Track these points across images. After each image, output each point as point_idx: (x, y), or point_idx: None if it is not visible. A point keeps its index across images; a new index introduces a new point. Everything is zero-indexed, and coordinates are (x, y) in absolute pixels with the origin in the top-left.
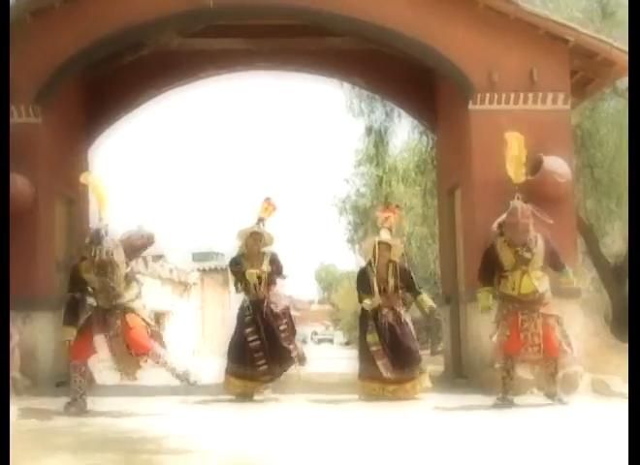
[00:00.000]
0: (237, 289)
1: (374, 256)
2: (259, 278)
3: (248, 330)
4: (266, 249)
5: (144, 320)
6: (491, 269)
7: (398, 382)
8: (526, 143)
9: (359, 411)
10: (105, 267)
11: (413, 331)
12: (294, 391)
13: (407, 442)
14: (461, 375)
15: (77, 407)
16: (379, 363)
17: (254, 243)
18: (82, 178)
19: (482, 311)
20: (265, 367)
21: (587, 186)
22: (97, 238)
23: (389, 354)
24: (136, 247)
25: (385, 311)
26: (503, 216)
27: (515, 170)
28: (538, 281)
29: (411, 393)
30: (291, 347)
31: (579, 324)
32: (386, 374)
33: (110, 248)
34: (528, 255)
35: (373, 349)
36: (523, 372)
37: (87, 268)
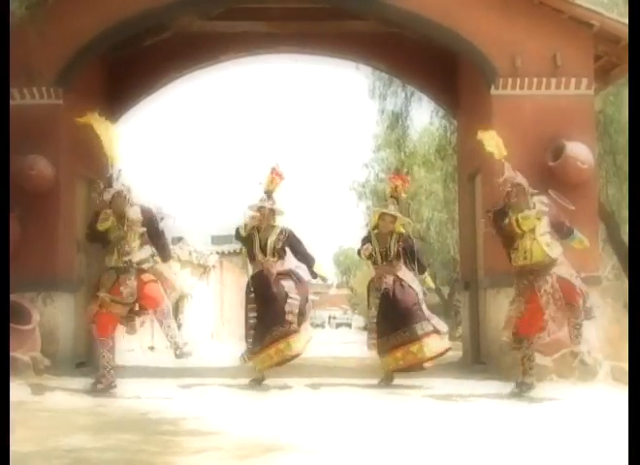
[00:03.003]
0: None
1: (377, 225)
2: (263, 249)
3: (250, 306)
4: (280, 225)
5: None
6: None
7: (402, 344)
8: (548, 129)
9: (375, 395)
10: (121, 217)
11: (417, 295)
12: (310, 375)
13: (422, 428)
14: (479, 361)
15: (105, 383)
16: (368, 338)
17: (262, 217)
18: (85, 119)
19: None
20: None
21: (609, 173)
22: (109, 182)
23: (382, 323)
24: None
25: (387, 278)
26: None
27: (495, 152)
28: (549, 247)
29: (419, 356)
30: (289, 318)
31: (599, 311)
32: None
33: (122, 191)
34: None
35: (371, 322)
36: (541, 359)
37: (104, 218)
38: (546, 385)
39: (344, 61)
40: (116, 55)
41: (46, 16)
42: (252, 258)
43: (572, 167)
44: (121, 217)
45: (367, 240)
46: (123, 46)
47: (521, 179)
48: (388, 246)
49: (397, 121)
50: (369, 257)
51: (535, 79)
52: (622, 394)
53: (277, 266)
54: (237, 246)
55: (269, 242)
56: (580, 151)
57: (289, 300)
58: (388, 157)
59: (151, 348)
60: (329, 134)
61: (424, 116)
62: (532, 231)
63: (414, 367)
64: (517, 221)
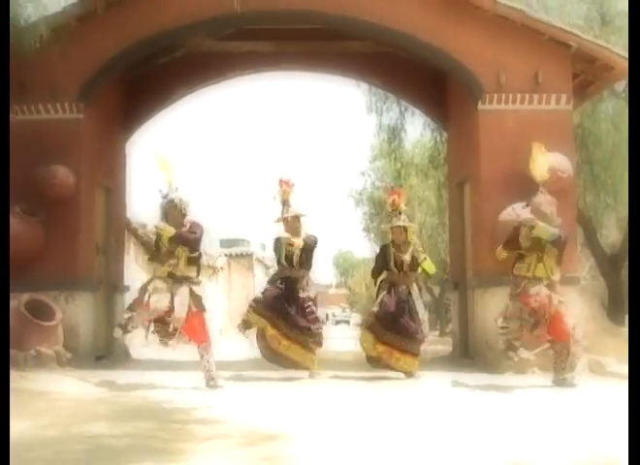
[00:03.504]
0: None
1: (392, 239)
2: (290, 252)
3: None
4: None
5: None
6: (511, 244)
7: (391, 346)
8: (530, 140)
9: (371, 387)
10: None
11: (420, 315)
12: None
13: (413, 416)
14: (467, 355)
15: (131, 324)
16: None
17: (289, 226)
18: (151, 154)
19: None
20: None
21: (586, 181)
22: (167, 197)
23: (385, 317)
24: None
25: (401, 287)
26: (516, 205)
27: (538, 172)
28: (552, 272)
29: (397, 364)
30: (314, 326)
31: (577, 308)
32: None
33: (180, 204)
34: (548, 245)
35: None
36: (524, 353)
37: (163, 230)
38: (528, 376)
39: (344, 78)
40: (133, 73)
41: (69, 38)
42: (280, 264)
43: (553, 176)
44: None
45: (383, 254)
46: (139, 64)
47: (546, 208)
48: (404, 257)
49: (392, 134)
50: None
51: (519, 95)
52: (598, 384)
53: (302, 276)
54: (243, 249)
55: (294, 248)
56: (560, 161)
57: (310, 305)
58: (384, 166)
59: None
60: (329, 145)
61: (417, 129)
62: (542, 251)
63: (386, 367)
64: (530, 230)
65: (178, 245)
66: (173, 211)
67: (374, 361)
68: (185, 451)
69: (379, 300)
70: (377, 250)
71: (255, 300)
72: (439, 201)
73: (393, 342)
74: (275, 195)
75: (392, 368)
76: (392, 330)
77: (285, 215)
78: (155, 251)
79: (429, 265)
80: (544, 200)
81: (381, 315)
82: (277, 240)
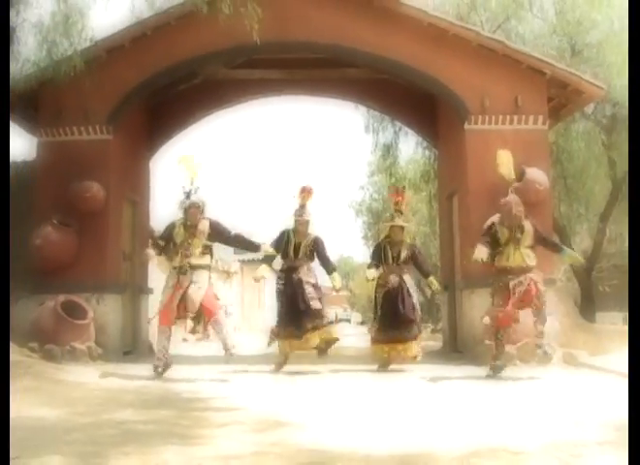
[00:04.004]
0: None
1: (389, 235)
2: (297, 247)
3: (280, 297)
4: (313, 233)
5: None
6: (488, 237)
7: (392, 341)
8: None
9: (371, 378)
10: (192, 226)
11: (415, 302)
12: (317, 362)
13: (409, 404)
14: (456, 350)
15: (161, 365)
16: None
17: (301, 226)
18: (179, 160)
19: (474, 260)
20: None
21: (560, 193)
22: (188, 195)
23: (382, 318)
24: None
25: (393, 277)
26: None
27: (506, 172)
28: (528, 257)
29: (402, 355)
30: (320, 306)
31: (553, 307)
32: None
33: (197, 203)
34: (519, 235)
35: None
36: (507, 347)
37: (180, 225)
38: (510, 368)
39: (343, 102)
40: (156, 98)
41: (99, 68)
42: (285, 256)
43: (531, 188)
44: (192, 226)
45: (377, 250)
46: (161, 90)
47: (517, 205)
48: (399, 251)
49: (387, 151)
50: (372, 280)
51: (500, 117)
52: (571, 375)
53: (304, 266)
54: (255, 255)
55: (302, 245)
56: (537, 175)
57: (315, 300)
58: (380, 181)
59: (185, 339)
60: (331, 162)
61: (410, 147)
62: (517, 241)
63: (395, 361)
64: (511, 232)
65: (208, 237)
66: (193, 210)
67: (385, 363)
68: (203, 436)
69: (376, 305)
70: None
71: (273, 329)
72: (431, 211)
73: (395, 336)
74: (295, 197)
75: (397, 360)
76: (392, 327)
77: (301, 217)
78: (165, 245)
79: (434, 284)
80: (515, 200)
81: (380, 319)
82: (287, 233)
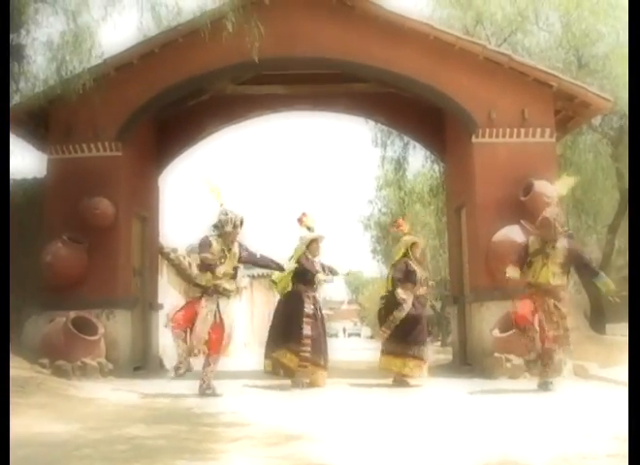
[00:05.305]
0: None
1: (408, 253)
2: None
3: (306, 319)
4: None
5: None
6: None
7: (403, 356)
8: (519, 169)
9: (382, 391)
10: (227, 248)
11: (425, 319)
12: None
13: (422, 417)
14: (466, 363)
15: (183, 367)
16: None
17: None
18: (204, 183)
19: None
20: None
21: (569, 205)
22: (223, 214)
23: (395, 334)
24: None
25: (408, 295)
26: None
27: (561, 189)
28: (554, 275)
29: (406, 372)
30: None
31: None
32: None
33: (235, 218)
34: (550, 250)
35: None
36: (516, 359)
37: (215, 242)
38: (520, 381)
39: (351, 116)
40: (164, 115)
41: (108, 86)
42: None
43: (540, 201)
44: (228, 249)
45: (407, 268)
46: (170, 107)
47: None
48: (423, 272)
49: (396, 165)
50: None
51: (508, 130)
52: (581, 386)
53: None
54: (264, 270)
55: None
56: (545, 188)
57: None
58: (389, 195)
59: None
60: (339, 176)
61: (418, 161)
62: (547, 256)
63: (398, 377)
64: (543, 246)
65: (239, 259)
66: (233, 231)
67: (397, 378)
68: (214, 451)
69: (396, 320)
70: (399, 266)
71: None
72: (439, 224)
73: (404, 352)
74: (302, 222)
75: (403, 376)
76: (403, 341)
77: (313, 237)
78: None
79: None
80: (557, 213)
81: (394, 333)
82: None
